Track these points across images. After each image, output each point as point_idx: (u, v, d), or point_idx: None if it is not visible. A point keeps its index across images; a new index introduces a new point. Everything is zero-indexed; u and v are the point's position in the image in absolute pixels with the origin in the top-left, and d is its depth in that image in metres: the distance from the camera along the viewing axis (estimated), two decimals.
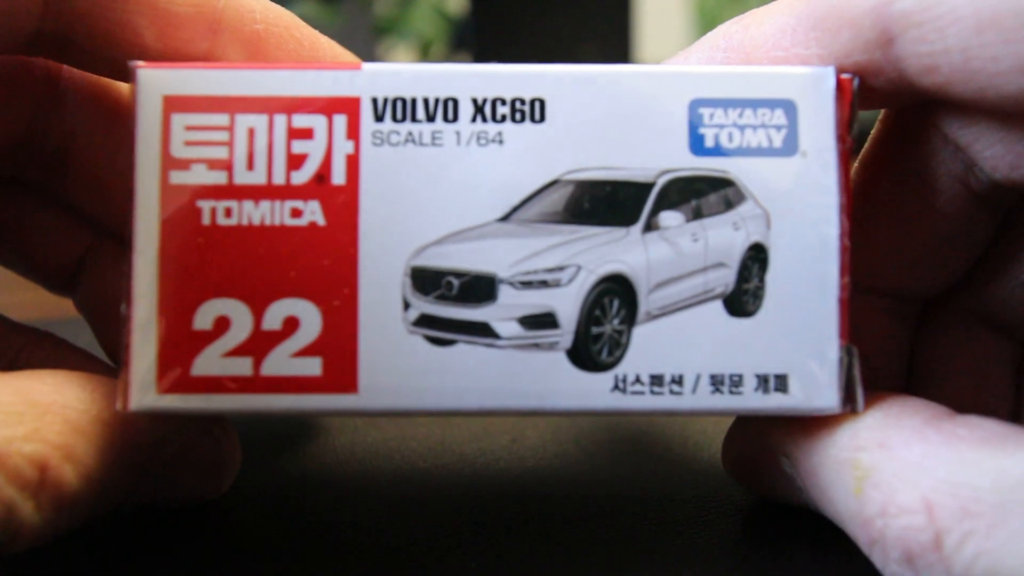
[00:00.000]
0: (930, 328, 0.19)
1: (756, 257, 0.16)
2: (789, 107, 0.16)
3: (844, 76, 0.16)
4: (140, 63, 0.15)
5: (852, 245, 0.16)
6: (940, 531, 0.13)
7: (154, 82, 0.15)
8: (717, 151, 0.16)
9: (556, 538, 0.18)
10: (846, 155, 0.16)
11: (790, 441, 0.16)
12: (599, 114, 0.15)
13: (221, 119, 0.15)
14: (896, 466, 0.14)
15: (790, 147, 0.16)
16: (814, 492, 0.16)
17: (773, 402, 0.15)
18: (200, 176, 0.15)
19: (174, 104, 0.15)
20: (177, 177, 0.15)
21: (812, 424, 0.16)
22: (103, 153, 0.19)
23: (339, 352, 0.15)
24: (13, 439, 0.14)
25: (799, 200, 0.16)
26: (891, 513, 0.14)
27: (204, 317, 0.15)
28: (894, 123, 0.18)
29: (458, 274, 0.15)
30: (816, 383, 0.15)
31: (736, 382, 0.15)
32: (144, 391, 0.15)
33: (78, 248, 0.21)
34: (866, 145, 0.18)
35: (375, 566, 0.17)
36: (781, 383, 0.15)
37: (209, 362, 0.15)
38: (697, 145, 0.16)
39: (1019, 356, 0.19)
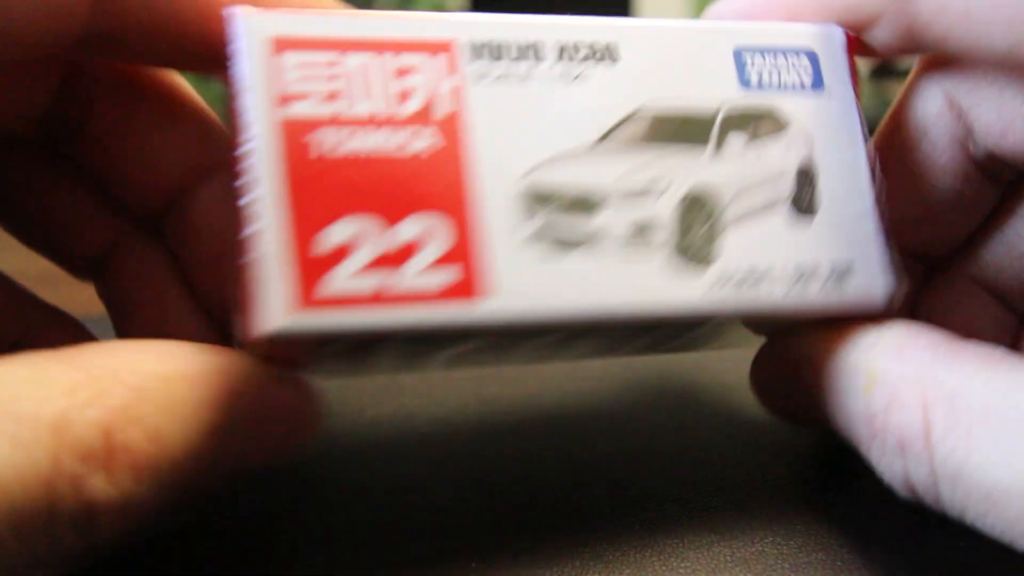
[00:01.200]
0: (932, 290, 0.22)
1: (808, 170, 0.18)
2: (812, 55, 0.19)
3: (850, 33, 0.19)
4: (238, 9, 0.16)
5: (876, 163, 0.18)
6: (929, 425, 0.15)
7: (258, 25, 0.16)
8: (760, 86, 0.18)
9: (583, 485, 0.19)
10: (858, 96, 0.19)
11: (816, 346, 0.18)
12: (662, 58, 0.18)
13: (330, 56, 0.16)
14: (904, 370, 0.16)
15: (818, 85, 0.19)
16: (828, 396, 0.18)
17: (838, 295, 0.18)
18: (316, 108, 0.16)
19: (282, 44, 0.16)
20: (293, 109, 0.16)
21: (836, 333, 0.18)
22: (122, 128, 0.19)
23: (470, 262, 0.16)
24: (71, 407, 0.13)
25: (831, 127, 0.18)
26: (893, 409, 0.16)
27: (332, 237, 0.15)
28: (909, 88, 0.20)
29: (568, 190, 0.17)
30: (871, 273, 0.18)
31: (811, 272, 0.18)
32: (276, 315, 0.15)
33: (105, 236, 0.20)
34: (887, 112, 0.21)
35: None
36: (847, 270, 0.18)
37: (341, 280, 0.15)
38: (745, 83, 0.18)
39: (1014, 323, 0.21)
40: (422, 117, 0.16)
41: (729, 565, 0.17)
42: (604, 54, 0.18)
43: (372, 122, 0.16)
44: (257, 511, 0.19)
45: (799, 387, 0.19)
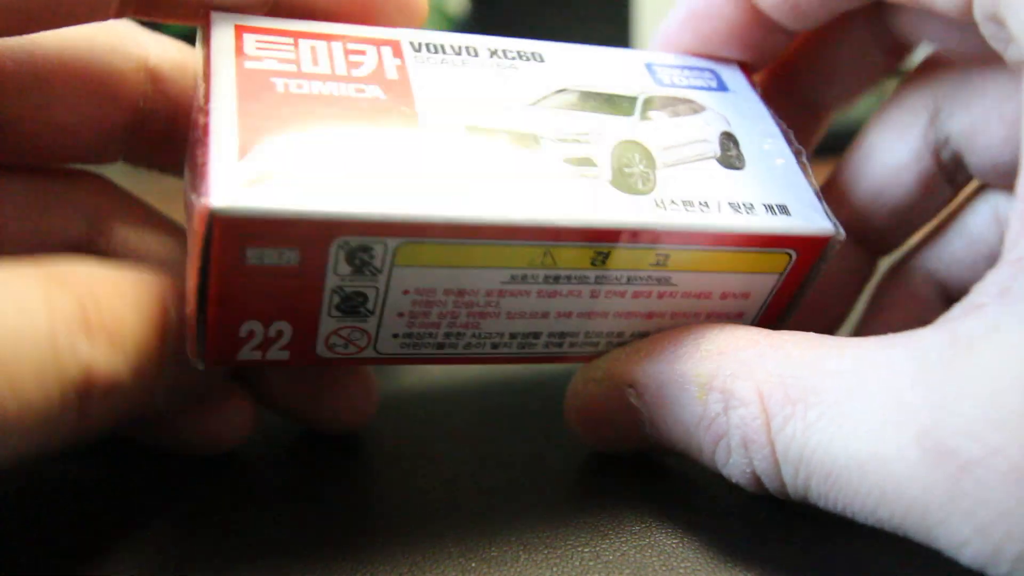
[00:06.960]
0: (886, 284, 0.23)
1: (730, 137, 0.19)
2: (713, 71, 0.21)
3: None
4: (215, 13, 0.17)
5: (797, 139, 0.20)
6: (769, 416, 0.15)
7: (227, 18, 0.17)
8: (673, 85, 0.20)
9: None
10: (760, 96, 0.21)
11: (637, 369, 0.18)
12: (583, 64, 0.20)
13: (286, 40, 0.17)
14: (733, 367, 0.16)
15: (723, 88, 0.21)
16: (660, 415, 0.17)
17: (783, 223, 0.18)
18: (271, 64, 0.17)
19: (245, 29, 0.17)
20: (251, 64, 0.17)
21: (654, 351, 0.18)
22: None
23: None
24: (49, 288, 0.14)
25: (741, 111, 0.20)
26: (732, 407, 0.16)
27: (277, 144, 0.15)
28: (896, 94, 0.22)
29: (508, 132, 0.17)
30: (808, 212, 0.18)
31: (749, 208, 0.18)
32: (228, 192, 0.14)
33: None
34: (874, 112, 0.22)
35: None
36: (784, 209, 0.18)
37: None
38: (659, 82, 0.20)
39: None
40: (369, 78, 0.17)
41: (728, 565, 0.16)
42: (531, 57, 0.19)
43: (323, 78, 0.17)
44: (257, 496, 0.19)
45: (625, 415, 0.18)
